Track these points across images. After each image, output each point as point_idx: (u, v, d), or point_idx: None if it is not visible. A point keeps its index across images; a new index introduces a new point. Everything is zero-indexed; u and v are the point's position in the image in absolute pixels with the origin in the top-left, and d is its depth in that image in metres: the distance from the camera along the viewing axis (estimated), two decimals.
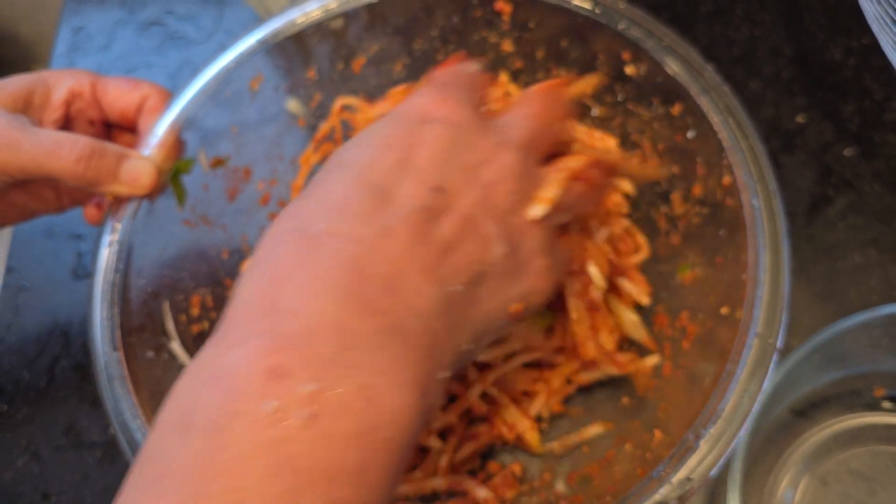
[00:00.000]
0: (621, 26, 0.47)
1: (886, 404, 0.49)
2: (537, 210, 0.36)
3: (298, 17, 0.49)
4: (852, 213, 0.55)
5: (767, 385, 0.39)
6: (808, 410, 0.49)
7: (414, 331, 0.30)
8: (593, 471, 0.44)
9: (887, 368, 0.48)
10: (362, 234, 0.31)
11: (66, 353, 0.56)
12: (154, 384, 0.44)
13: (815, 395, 0.48)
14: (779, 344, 0.39)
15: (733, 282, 0.42)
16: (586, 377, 0.48)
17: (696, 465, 0.37)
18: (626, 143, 0.51)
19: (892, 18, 0.45)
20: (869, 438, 0.48)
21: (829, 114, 0.58)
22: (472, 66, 0.41)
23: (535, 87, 0.41)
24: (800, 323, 0.51)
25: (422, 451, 0.47)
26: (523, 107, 0.39)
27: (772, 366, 0.39)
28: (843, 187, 0.55)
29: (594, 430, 0.47)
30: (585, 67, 0.51)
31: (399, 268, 0.31)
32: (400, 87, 0.52)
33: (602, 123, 0.52)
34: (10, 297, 0.58)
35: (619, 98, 0.50)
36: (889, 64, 0.52)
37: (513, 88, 0.53)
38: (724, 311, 0.43)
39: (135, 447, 0.40)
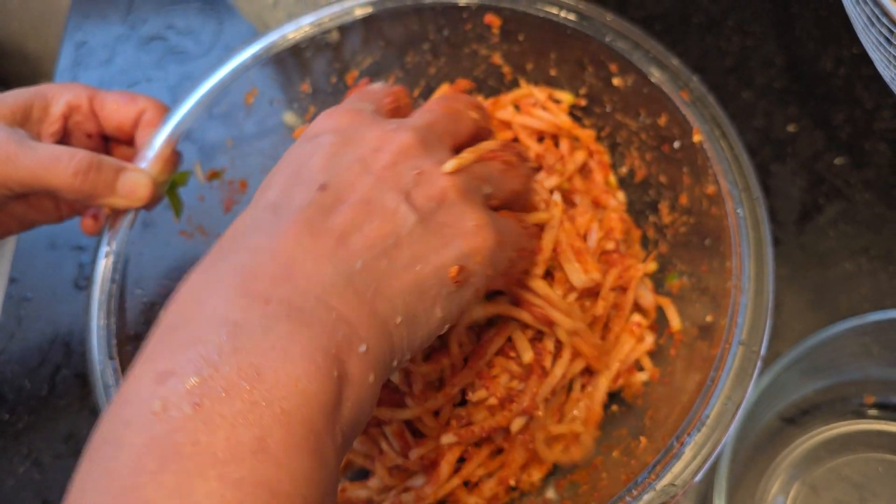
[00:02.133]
0: (608, 38, 0.47)
1: (876, 412, 0.49)
2: (448, 165, 0.37)
3: (291, 31, 0.50)
4: (843, 221, 0.55)
5: (752, 391, 0.40)
6: (798, 418, 0.49)
7: (308, 309, 0.31)
8: (581, 478, 0.44)
9: (877, 375, 0.48)
10: (255, 242, 0.33)
11: (67, 363, 0.57)
12: None
13: (805, 402, 0.49)
14: (762, 351, 0.40)
15: (719, 290, 0.43)
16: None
17: (680, 471, 0.38)
18: (614, 152, 0.52)
19: (877, 18, 0.45)
20: (859, 445, 0.49)
21: (820, 123, 0.59)
22: (376, 85, 0.44)
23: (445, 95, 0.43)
24: (791, 330, 0.52)
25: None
26: (424, 106, 0.42)
27: (755, 373, 0.39)
28: (833, 196, 0.56)
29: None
30: (574, 78, 0.51)
31: (289, 259, 0.32)
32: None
33: (596, 133, 0.52)
34: (13, 307, 0.60)
35: (608, 108, 0.51)
36: (879, 74, 0.52)
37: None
38: (709, 318, 0.43)
39: None
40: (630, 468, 0.41)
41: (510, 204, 0.41)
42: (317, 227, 0.33)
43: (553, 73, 0.52)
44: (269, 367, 0.28)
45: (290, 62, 0.52)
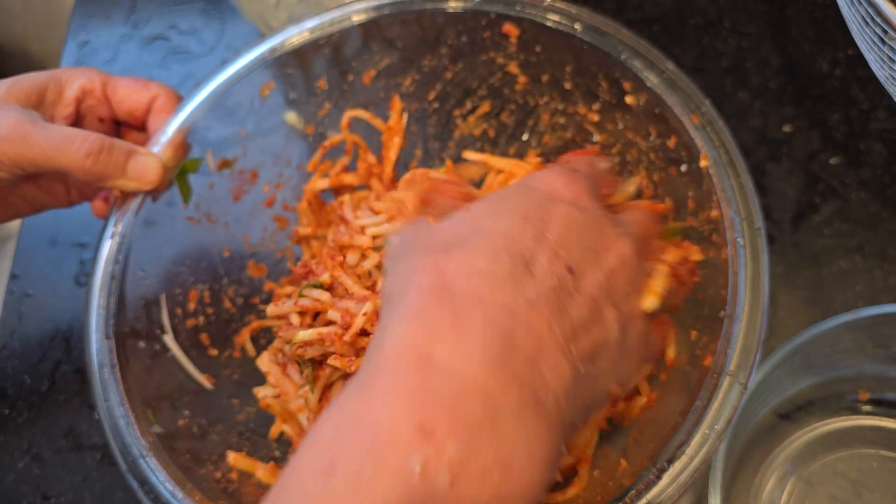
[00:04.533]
0: (623, 56, 0.47)
1: (871, 407, 0.49)
2: (651, 301, 0.38)
3: (309, 28, 0.51)
4: (838, 220, 0.56)
5: (737, 418, 0.40)
6: (793, 413, 0.49)
7: (549, 407, 0.31)
8: (555, 499, 0.44)
9: (872, 372, 0.48)
10: (512, 304, 0.32)
11: (68, 358, 0.58)
12: (143, 374, 0.46)
13: (800, 397, 0.49)
14: (750, 385, 0.39)
15: (712, 318, 0.43)
16: None
17: (655, 496, 0.38)
18: (623, 171, 0.52)
19: (871, 18, 0.45)
20: (854, 441, 0.49)
21: (816, 123, 0.59)
22: (603, 163, 0.43)
23: (639, 204, 0.44)
24: (785, 327, 0.52)
25: None
26: (635, 213, 0.41)
27: (741, 406, 0.39)
28: (829, 195, 0.56)
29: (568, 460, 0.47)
30: (588, 93, 0.51)
31: (541, 343, 0.32)
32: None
33: (602, 150, 0.52)
34: (15, 303, 0.61)
35: (620, 126, 0.51)
36: (875, 75, 0.52)
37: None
38: (701, 344, 0.43)
39: (118, 433, 0.42)
40: (607, 490, 0.41)
41: None
42: (563, 312, 0.33)
43: (567, 86, 0.52)
44: (518, 465, 0.29)
45: (307, 58, 0.52)
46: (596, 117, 0.52)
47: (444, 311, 0.31)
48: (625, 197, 0.45)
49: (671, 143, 0.47)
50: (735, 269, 0.42)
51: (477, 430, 0.28)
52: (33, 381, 0.58)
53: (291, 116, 0.54)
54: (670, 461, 0.38)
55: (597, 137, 0.52)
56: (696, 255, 0.44)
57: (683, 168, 0.47)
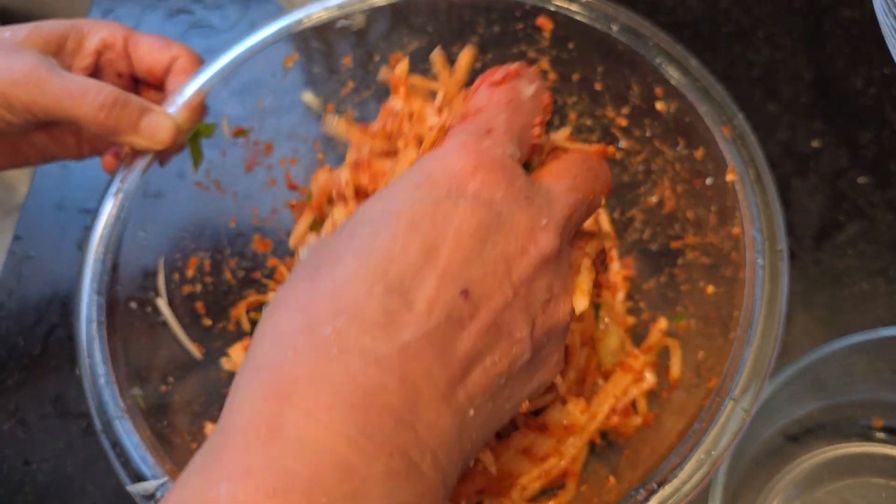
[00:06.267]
0: (657, 60, 0.45)
1: (884, 435, 0.47)
2: (582, 303, 0.33)
3: (337, 6, 0.49)
4: (863, 240, 0.54)
5: (737, 444, 0.38)
6: (802, 436, 0.47)
7: (426, 470, 0.27)
8: None
9: (887, 398, 0.46)
10: (380, 351, 0.27)
11: (63, 323, 0.57)
12: (131, 335, 0.44)
13: (810, 420, 0.46)
14: (753, 412, 0.37)
15: (723, 338, 0.41)
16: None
17: None
18: (646, 180, 0.50)
19: None
20: (864, 469, 0.46)
21: (846, 141, 0.57)
22: (531, 87, 0.35)
23: (585, 151, 0.36)
24: (799, 346, 0.50)
25: None
26: (570, 174, 0.34)
27: (741, 433, 0.37)
28: (854, 214, 0.55)
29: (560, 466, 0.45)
30: (618, 96, 0.49)
31: (416, 396, 0.27)
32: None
33: (627, 156, 0.50)
34: (16, 264, 0.60)
35: (648, 133, 0.49)
36: None
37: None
38: (707, 365, 0.41)
39: (96, 391, 0.41)
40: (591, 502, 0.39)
41: None
42: (447, 353, 0.28)
43: (598, 87, 0.50)
44: None
45: (332, 35, 0.51)
46: (624, 122, 0.50)
47: (302, 365, 0.27)
48: (552, 145, 0.37)
49: (698, 154, 0.45)
50: (752, 290, 0.40)
51: None
52: (26, 344, 0.57)
53: (308, 97, 0.53)
54: (661, 483, 0.36)
55: (623, 143, 0.51)
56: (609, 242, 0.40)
57: (709, 181, 0.45)
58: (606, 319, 0.46)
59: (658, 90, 0.46)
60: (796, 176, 0.56)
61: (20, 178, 0.79)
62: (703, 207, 0.45)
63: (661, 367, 0.45)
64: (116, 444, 0.39)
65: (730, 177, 0.42)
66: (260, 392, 0.27)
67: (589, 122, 0.52)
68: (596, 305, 0.45)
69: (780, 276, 0.40)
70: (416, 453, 0.27)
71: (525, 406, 0.33)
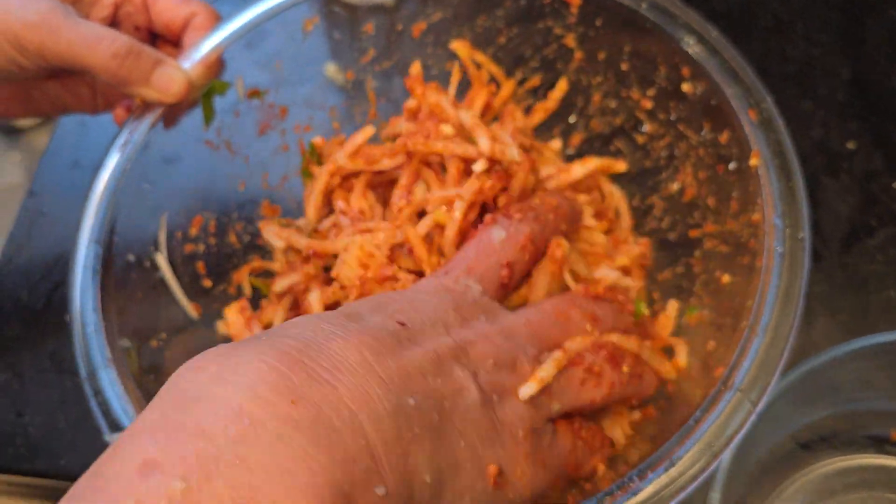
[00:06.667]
0: (686, 39, 0.43)
1: None
2: (527, 389, 0.34)
3: None
4: (893, 246, 0.51)
5: (740, 439, 0.35)
6: (813, 443, 0.44)
7: (337, 426, 0.26)
8: None
9: None
10: (310, 330, 0.29)
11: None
12: (126, 288, 0.44)
13: (823, 427, 0.43)
14: (760, 406, 0.35)
15: (735, 329, 0.38)
16: None
17: None
18: (668, 166, 0.48)
19: None
20: (878, 483, 0.44)
21: (881, 143, 0.55)
22: (501, 233, 0.40)
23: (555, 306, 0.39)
24: (817, 350, 0.46)
25: None
26: (537, 305, 0.39)
27: (745, 427, 0.35)
28: (887, 219, 0.52)
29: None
30: (644, 77, 0.48)
31: (339, 362, 0.28)
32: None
33: (650, 141, 0.48)
34: (27, 219, 0.60)
35: (672, 117, 0.47)
36: None
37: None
38: (716, 356, 0.39)
39: (84, 338, 0.40)
40: (583, 491, 0.37)
41: (579, 412, 0.37)
42: (384, 351, 0.30)
43: (624, 67, 0.48)
44: (267, 494, 0.24)
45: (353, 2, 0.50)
46: (649, 104, 0.48)
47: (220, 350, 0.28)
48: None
49: (723, 138, 0.43)
50: (768, 279, 0.37)
51: (213, 465, 0.24)
52: (30, 299, 0.57)
53: (331, 68, 0.52)
54: (656, 471, 0.34)
55: (647, 127, 0.49)
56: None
57: (732, 166, 0.43)
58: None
59: (685, 70, 0.44)
60: (827, 175, 0.54)
61: (40, 136, 0.79)
62: (724, 193, 0.43)
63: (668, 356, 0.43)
64: (99, 393, 0.39)
65: (754, 161, 0.40)
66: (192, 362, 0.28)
67: (613, 105, 0.50)
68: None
69: (800, 266, 0.37)
70: (330, 408, 0.26)
71: (493, 471, 0.32)
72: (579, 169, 0.47)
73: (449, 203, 0.43)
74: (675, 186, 0.48)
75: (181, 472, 0.24)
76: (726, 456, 0.38)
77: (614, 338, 0.39)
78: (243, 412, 0.25)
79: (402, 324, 0.32)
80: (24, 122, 0.69)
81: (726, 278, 0.42)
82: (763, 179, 0.40)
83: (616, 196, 0.49)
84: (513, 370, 0.34)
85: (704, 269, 0.44)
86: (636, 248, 0.47)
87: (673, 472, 0.34)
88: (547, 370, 0.35)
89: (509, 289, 0.41)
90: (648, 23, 0.45)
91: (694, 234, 0.45)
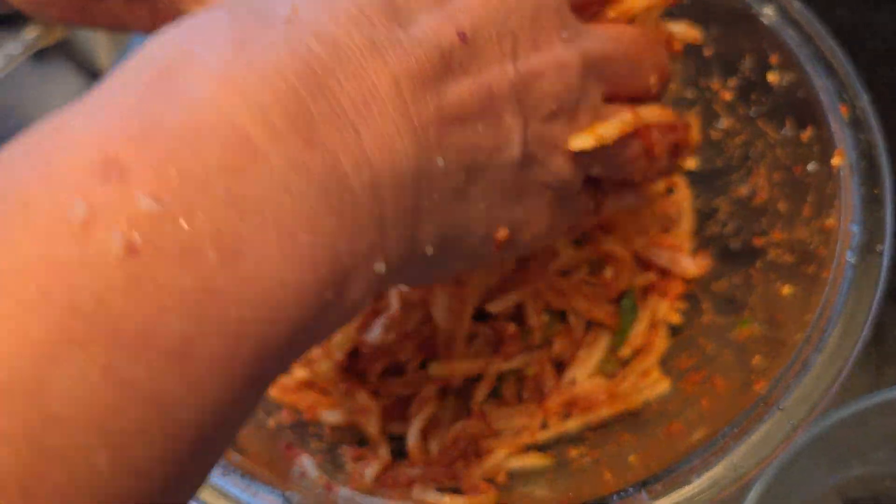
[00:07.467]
0: (779, 24, 0.39)
1: None
2: (580, 141, 0.29)
3: None
4: None
5: (775, 466, 0.30)
6: (864, 501, 0.37)
7: (356, 186, 0.21)
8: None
9: None
10: (339, 35, 0.22)
11: None
12: None
13: (876, 483, 0.37)
14: (800, 431, 0.30)
15: (785, 342, 0.33)
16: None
17: None
18: (741, 166, 0.43)
19: None
20: None
21: None
22: None
23: (639, 31, 0.32)
24: (884, 376, 0.42)
25: None
26: (614, 30, 0.30)
27: (781, 453, 0.30)
28: None
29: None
30: (727, 65, 0.43)
31: (376, 85, 0.22)
32: None
33: (725, 137, 0.44)
34: None
35: (752, 112, 0.42)
36: None
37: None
38: (760, 370, 0.34)
39: None
40: (580, 492, 0.32)
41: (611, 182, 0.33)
42: (426, 81, 0.24)
43: (707, 53, 0.44)
44: (255, 251, 0.19)
45: None
46: (729, 96, 0.43)
47: (223, 27, 0.22)
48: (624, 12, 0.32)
49: (805, 135, 0.38)
50: (835, 291, 0.32)
51: (195, 179, 0.18)
52: None
53: None
54: (669, 491, 0.30)
55: (724, 122, 0.44)
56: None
57: (811, 167, 0.38)
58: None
59: (773, 58, 0.40)
60: None
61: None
62: (798, 198, 0.38)
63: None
64: None
65: (836, 160, 0.35)
66: (160, 45, 0.21)
67: (690, 95, 0.45)
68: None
69: (875, 282, 0.32)
70: (349, 161, 0.21)
71: (501, 235, 0.29)
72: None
73: None
74: (744, 190, 0.43)
75: (153, 188, 0.18)
76: (752, 496, 0.33)
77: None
78: (248, 138, 0.20)
79: (463, 35, 0.25)
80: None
81: (787, 289, 0.36)
82: (844, 182, 0.35)
83: (682, 192, 0.44)
84: (570, 120, 0.28)
85: (764, 280, 0.39)
86: (693, 267, 0.42)
87: (687, 489, 0.29)
88: (610, 129, 0.29)
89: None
90: (738, 2, 0.41)
91: (759, 241, 0.40)
